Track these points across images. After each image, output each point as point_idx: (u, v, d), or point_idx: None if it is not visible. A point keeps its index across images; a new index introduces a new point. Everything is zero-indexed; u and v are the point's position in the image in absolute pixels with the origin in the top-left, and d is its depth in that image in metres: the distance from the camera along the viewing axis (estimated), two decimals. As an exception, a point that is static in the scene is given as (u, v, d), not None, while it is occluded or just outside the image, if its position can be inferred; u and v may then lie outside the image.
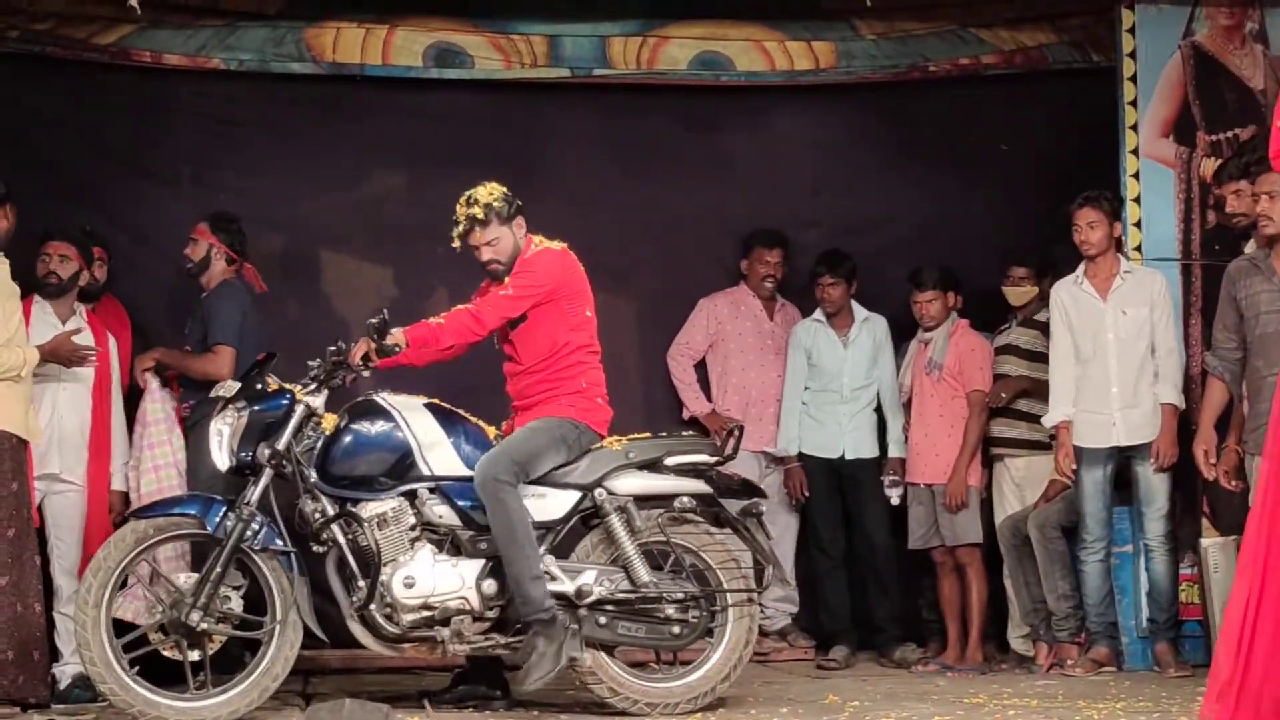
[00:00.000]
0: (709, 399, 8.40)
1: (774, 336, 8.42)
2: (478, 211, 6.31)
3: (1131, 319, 7.35)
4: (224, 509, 5.96)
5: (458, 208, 6.35)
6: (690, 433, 6.63)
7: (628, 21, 8.24)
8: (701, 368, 8.50)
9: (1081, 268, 7.47)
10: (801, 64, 8.37)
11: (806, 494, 8.17)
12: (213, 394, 6.17)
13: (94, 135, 8.03)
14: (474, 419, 6.33)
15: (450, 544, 6.10)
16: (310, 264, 8.27)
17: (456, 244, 6.40)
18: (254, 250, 7.64)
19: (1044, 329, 7.93)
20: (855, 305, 8.24)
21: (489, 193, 6.35)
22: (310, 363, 6.19)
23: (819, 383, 8.22)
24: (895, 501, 8.08)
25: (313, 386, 6.10)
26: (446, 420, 6.21)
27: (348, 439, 6.10)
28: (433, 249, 7.68)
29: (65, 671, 6.77)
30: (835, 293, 8.17)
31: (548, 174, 8.30)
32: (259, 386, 6.05)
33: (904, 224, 8.68)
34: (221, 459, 6.03)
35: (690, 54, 8.31)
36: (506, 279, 6.33)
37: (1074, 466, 7.40)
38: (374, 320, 6.02)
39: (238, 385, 6.04)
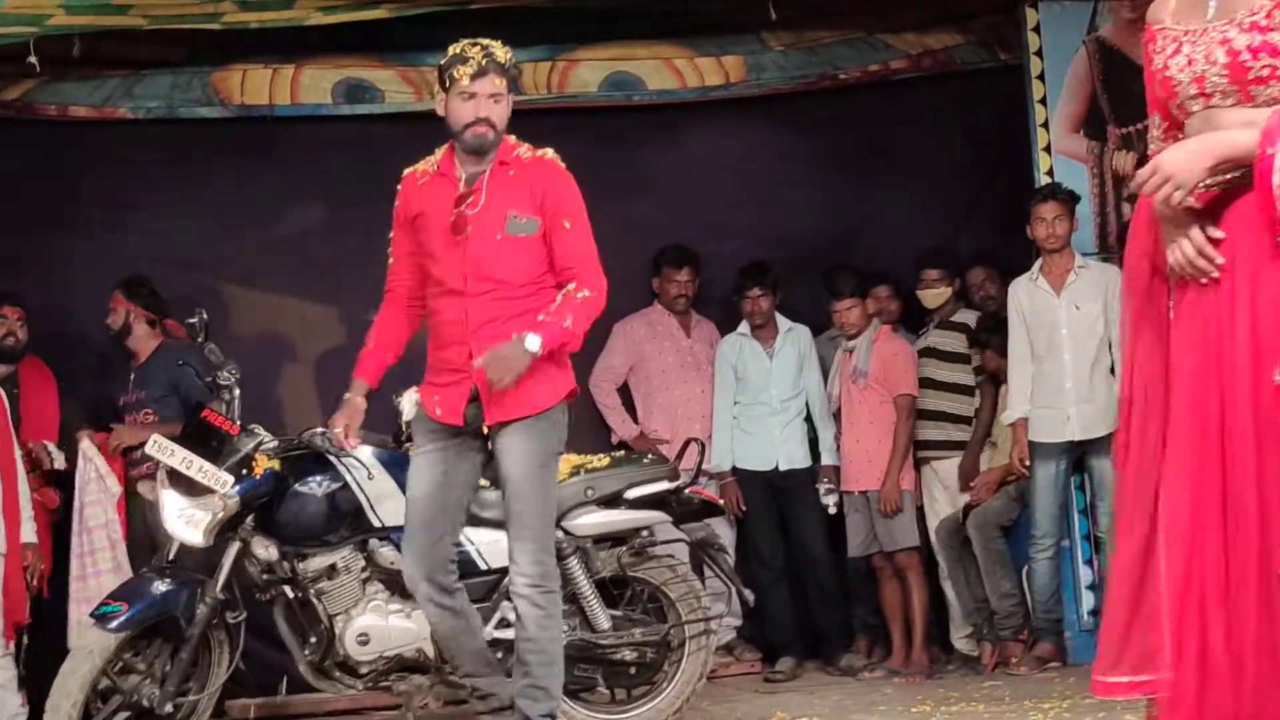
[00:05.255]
0: (635, 421, 8.39)
1: (693, 353, 8.42)
2: (500, 55, 5.25)
3: (1085, 314, 7.38)
4: (186, 592, 5.84)
5: (462, 49, 5.22)
6: (650, 457, 6.54)
7: (536, 47, 8.19)
8: (625, 390, 8.48)
9: (1037, 263, 7.50)
10: (712, 79, 8.39)
11: (743, 508, 8.18)
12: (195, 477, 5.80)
13: (2, 192, 7.92)
14: None
15: (402, 587, 6.01)
16: (229, 305, 8.18)
17: (441, 95, 5.26)
18: (172, 294, 7.59)
19: (963, 330, 8.00)
20: (779, 316, 8.25)
21: (508, 51, 5.32)
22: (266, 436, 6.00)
23: (748, 396, 8.22)
24: (832, 510, 8.09)
25: (280, 454, 5.93)
26: (398, 467, 5.97)
27: (294, 498, 5.92)
28: (354, 280, 7.67)
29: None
30: (765, 304, 8.17)
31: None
32: (244, 471, 5.83)
33: (821, 232, 8.69)
34: (197, 538, 5.84)
35: (600, 76, 8.33)
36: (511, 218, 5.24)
37: (1028, 462, 7.45)
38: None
39: (231, 479, 5.75)
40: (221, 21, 6.87)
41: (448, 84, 5.23)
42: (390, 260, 5.50)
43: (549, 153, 5.38)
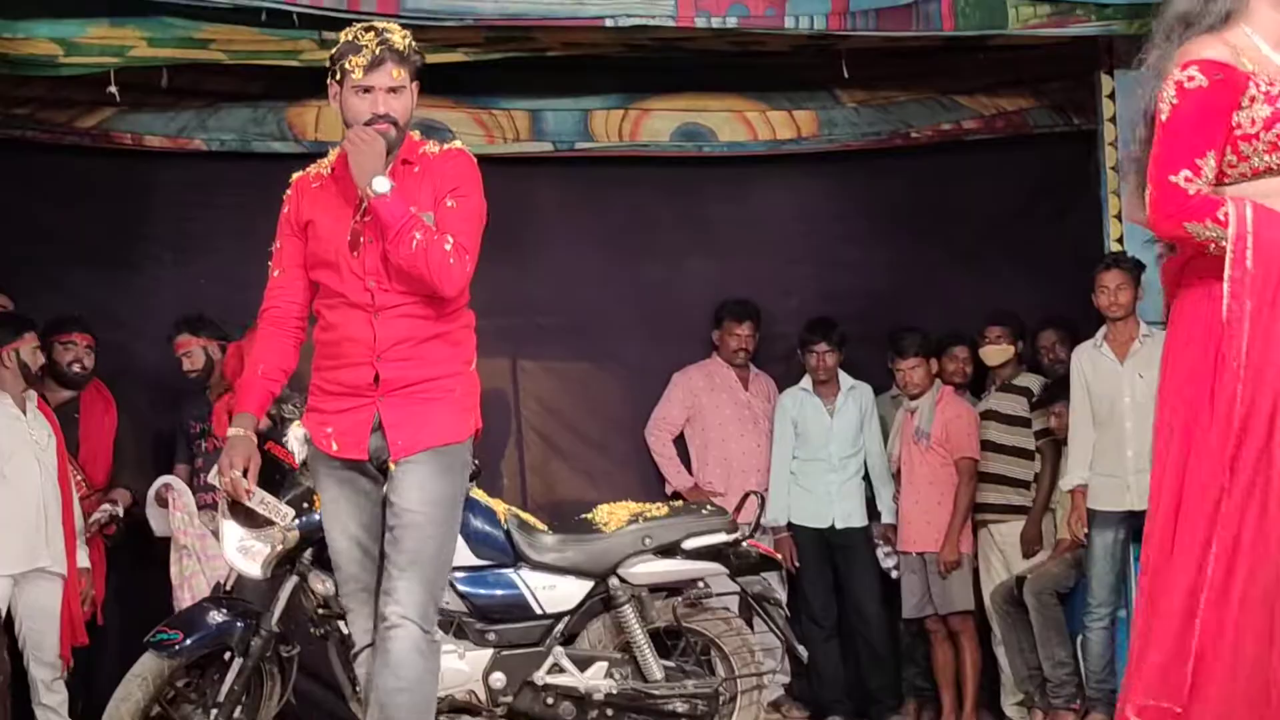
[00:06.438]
0: (690, 472, 8.37)
1: (750, 407, 8.40)
2: (398, 42, 4.63)
3: (1148, 382, 7.27)
4: (241, 624, 5.85)
5: (355, 35, 4.64)
6: (709, 508, 6.51)
7: (609, 95, 8.25)
8: (681, 441, 8.46)
9: (1102, 331, 7.45)
10: (783, 133, 8.37)
11: (797, 564, 8.13)
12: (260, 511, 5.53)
13: (74, 220, 8.01)
14: (482, 495, 6.18)
15: (456, 627, 6.00)
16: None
17: (335, 88, 4.70)
18: (236, 328, 7.62)
19: (1025, 393, 7.95)
20: (842, 374, 8.23)
21: (406, 35, 4.71)
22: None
23: (806, 451, 8.19)
24: (894, 575, 8.04)
25: None
26: None
27: None
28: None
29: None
30: (830, 360, 8.15)
31: (531, 247, 8.28)
32: (305, 505, 5.75)
33: (886, 291, 8.64)
34: (255, 570, 5.84)
35: (672, 125, 8.33)
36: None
37: (1085, 529, 7.39)
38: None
39: (292, 512, 5.56)
40: (300, 59, 6.92)
41: (339, 76, 4.66)
42: (272, 274, 4.87)
43: (457, 143, 4.87)
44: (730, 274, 8.55)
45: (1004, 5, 6.59)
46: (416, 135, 4.77)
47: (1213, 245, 3.61)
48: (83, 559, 7.04)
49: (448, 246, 4.55)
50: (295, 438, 4.88)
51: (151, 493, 7.19)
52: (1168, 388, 3.73)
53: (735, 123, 8.36)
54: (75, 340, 7.43)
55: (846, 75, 7.66)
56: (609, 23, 6.51)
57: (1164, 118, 3.63)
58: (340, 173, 4.72)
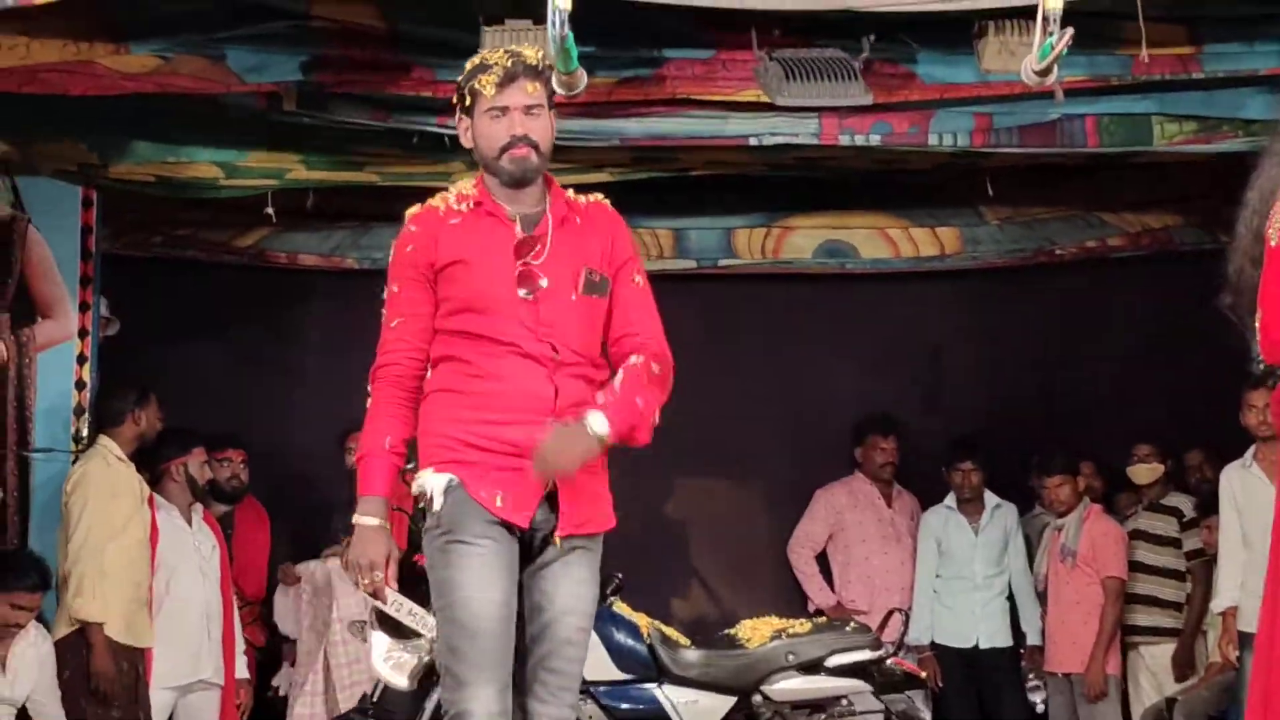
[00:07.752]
0: (832, 589, 8.33)
1: (894, 524, 8.36)
2: (531, 57, 4.17)
3: None
4: None
5: (483, 56, 4.21)
6: (854, 625, 6.48)
7: (752, 214, 8.31)
8: (824, 558, 8.43)
9: (1251, 451, 7.33)
10: (926, 250, 8.38)
11: (940, 684, 8.04)
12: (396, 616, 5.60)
13: (231, 334, 8.24)
14: (625, 609, 6.19)
15: None
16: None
17: (465, 121, 4.17)
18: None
19: (1174, 514, 7.84)
20: (987, 492, 8.17)
21: (539, 50, 4.29)
22: None
23: (950, 570, 8.13)
24: (1040, 708, 7.91)
25: None
26: (599, 620, 5.81)
27: None
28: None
29: None
30: (975, 479, 8.12)
31: (675, 363, 8.32)
32: None
33: (1029, 408, 8.61)
34: (402, 681, 5.90)
35: (814, 243, 8.37)
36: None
37: (1237, 653, 7.23)
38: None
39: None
40: (450, 180, 7.06)
41: (469, 101, 4.17)
42: (389, 323, 4.23)
43: (599, 196, 4.36)
44: (872, 390, 8.56)
45: (1148, 122, 6.53)
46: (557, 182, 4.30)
47: None
48: (241, 669, 7.17)
49: (653, 367, 4.18)
50: (435, 486, 4.07)
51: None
52: None
53: (877, 239, 8.39)
54: (231, 456, 7.60)
55: (992, 193, 7.65)
56: (753, 141, 6.53)
57: (1273, 244, 3.61)
58: (490, 207, 4.16)
